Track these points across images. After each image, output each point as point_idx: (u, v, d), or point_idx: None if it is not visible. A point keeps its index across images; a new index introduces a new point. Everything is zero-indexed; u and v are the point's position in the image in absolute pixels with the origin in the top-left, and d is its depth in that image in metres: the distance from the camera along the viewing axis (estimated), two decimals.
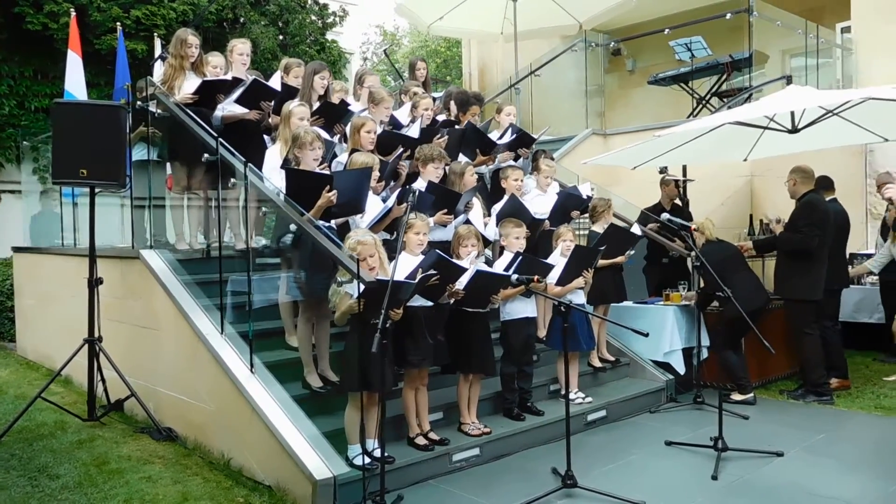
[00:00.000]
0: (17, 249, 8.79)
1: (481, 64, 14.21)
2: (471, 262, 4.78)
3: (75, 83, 8.10)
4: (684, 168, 7.94)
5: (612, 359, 6.55)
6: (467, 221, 5.49)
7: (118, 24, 9.63)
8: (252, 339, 4.75)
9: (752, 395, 6.23)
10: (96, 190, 5.61)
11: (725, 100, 9.57)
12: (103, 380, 5.63)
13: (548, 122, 8.56)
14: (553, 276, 5.44)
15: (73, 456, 4.83)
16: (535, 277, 4.56)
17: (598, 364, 6.38)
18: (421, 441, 4.65)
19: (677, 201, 7.82)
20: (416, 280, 4.12)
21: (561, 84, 11.59)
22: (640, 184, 8.49)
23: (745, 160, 7.46)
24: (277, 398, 4.51)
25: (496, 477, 4.58)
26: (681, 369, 6.51)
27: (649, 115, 11.27)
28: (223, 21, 14.73)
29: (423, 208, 5.05)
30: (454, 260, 4.70)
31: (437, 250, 4.56)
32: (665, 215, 5.86)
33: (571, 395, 5.74)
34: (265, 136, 6.22)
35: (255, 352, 4.76)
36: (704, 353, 6.57)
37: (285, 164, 4.91)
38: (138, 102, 6.04)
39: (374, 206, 5.14)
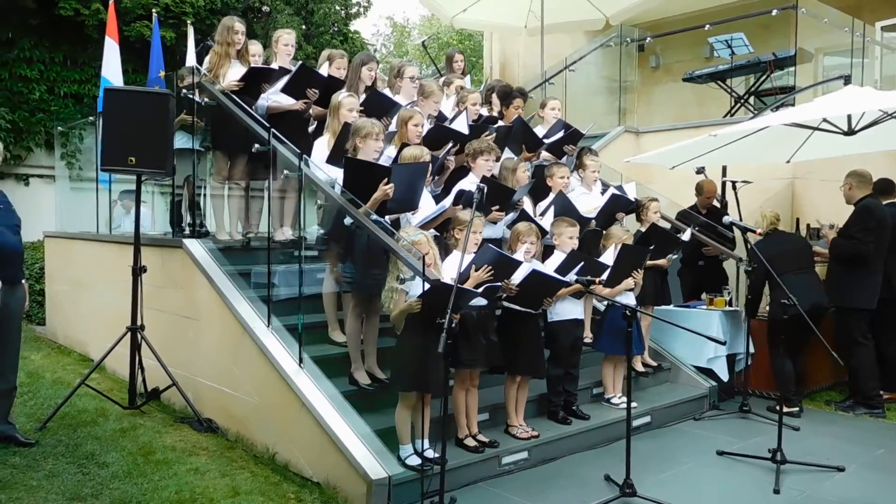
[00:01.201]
0: (49, 234, 8.77)
1: (503, 58, 14.03)
2: (525, 259, 4.69)
3: (113, 70, 8.01)
4: (724, 168, 7.80)
5: (654, 364, 6.42)
6: (521, 218, 5.38)
7: (154, 11, 9.55)
8: (301, 333, 4.67)
9: (797, 409, 6.02)
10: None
11: (768, 100, 9.35)
12: (142, 368, 5.57)
13: (578, 119, 8.39)
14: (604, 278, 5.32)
15: (118, 444, 4.78)
16: (596, 279, 4.46)
17: (640, 368, 6.26)
18: (470, 442, 4.57)
19: (716, 202, 7.69)
20: (481, 290, 4.11)
21: (591, 80, 11.42)
22: (673, 183, 8.33)
23: (788, 162, 7.30)
24: (327, 394, 4.43)
25: (547, 482, 4.49)
26: (724, 376, 6.36)
27: (671, 112, 11.09)
28: (248, 10, 14.69)
29: (484, 207, 4.95)
30: (509, 254, 4.62)
31: (491, 245, 4.47)
32: (727, 218, 5.72)
33: (615, 400, 5.67)
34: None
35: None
36: (749, 360, 6.42)
37: (343, 154, 4.81)
38: (183, 91, 5.96)
39: (424, 201, 5.04)
